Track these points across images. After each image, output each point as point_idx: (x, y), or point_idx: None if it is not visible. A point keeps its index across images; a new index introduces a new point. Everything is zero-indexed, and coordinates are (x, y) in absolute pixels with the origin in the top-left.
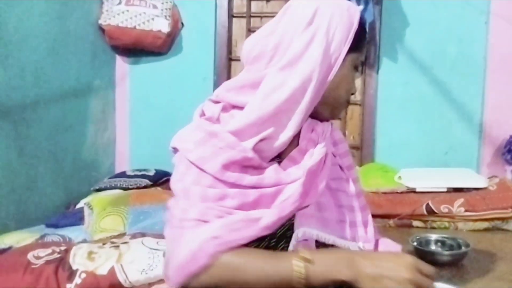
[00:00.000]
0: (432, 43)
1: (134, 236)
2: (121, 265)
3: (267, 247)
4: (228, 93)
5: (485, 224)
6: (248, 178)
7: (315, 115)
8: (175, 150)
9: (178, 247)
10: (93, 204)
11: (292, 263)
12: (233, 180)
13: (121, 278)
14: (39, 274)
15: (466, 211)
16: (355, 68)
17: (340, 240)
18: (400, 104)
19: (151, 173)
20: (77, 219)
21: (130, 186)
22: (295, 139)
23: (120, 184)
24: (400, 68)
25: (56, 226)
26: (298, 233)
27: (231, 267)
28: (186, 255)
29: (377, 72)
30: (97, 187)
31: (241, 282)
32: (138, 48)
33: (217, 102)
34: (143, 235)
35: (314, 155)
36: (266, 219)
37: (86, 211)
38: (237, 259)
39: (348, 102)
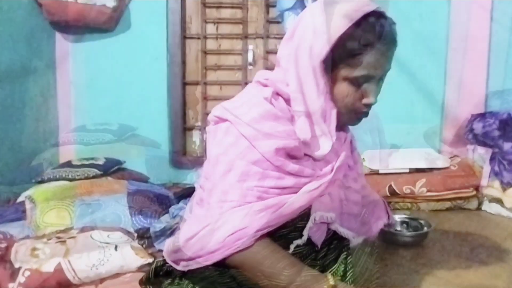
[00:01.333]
0: (394, 20)
1: (82, 230)
2: (69, 261)
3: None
4: (276, 82)
5: (447, 204)
6: (292, 166)
7: (340, 122)
8: (220, 120)
9: (218, 226)
10: (35, 197)
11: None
12: (279, 164)
13: (69, 275)
14: None
15: (428, 191)
16: (351, 82)
17: (341, 228)
18: None
19: (100, 162)
20: (19, 213)
21: (77, 177)
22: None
23: (65, 175)
24: None
25: None
26: (316, 216)
27: (267, 258)
28: (229, 233)
29: None
30: (39, 179)
31: (266, 275)
32: (80, 25)
33: (265, 85)
34: (92, 228)
35: (341, 155)
36: (297, 203)
37: (28, 205)
38: (274, 253)
39: (360, 113)
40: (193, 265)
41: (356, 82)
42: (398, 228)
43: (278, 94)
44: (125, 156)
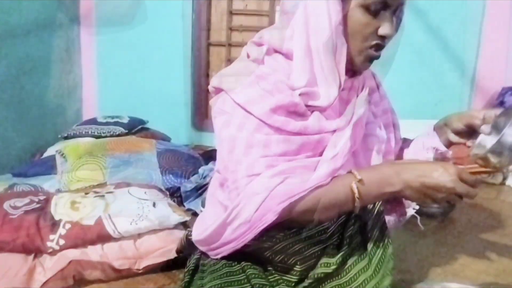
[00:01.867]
0: None
1: (119, 186)
2: (109, 215)
3: None
4: (271, 38)
5: (473, 177)
6: (293, 124)
7: (351, 67)
8: (217, 90)
9: (241, 206)
10: (66, 152)
11: (349, 187)
12: (279, 124)
13: (109, 228)
14: (18, 225)
15: (454, 163)
16: (366, 9)
17: None
18: (392, 49)
19: (125, 121)
20: (48, 168)
21: (102, 134)
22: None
23: (91, 132)
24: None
25: (25, 175)
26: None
27: (299, 216)
28: (252, 212)
29: None
30: (65, 135)
31: (311, 222)
32: None
33: (260, 44)
34: (128, 184)
35: (357, 107)
36: (322, 170)
37: (59, 160)
38: (303, 205)
39: (375, 48)
40: (226, 251)
41: (373, 9)
42: None
43: (275, 50)
44: (148, 116)
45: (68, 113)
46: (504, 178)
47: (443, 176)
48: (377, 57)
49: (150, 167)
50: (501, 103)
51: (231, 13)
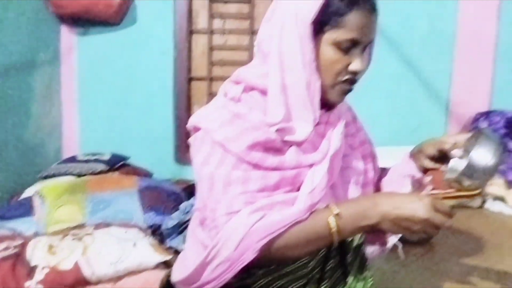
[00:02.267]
0: (402, 19)
1: (98, 226)
2: (87, 259)
3: None
4: (248, 76)
5: (452, 202)
6: (271, 160)
7: (325, 101)
8: (195, 129)
9: (220, 244)
10: (44, 193)
11: (327, 222)
12: (256, 160)
13: (87, 272)
14: None
15: (433, 189)
16: (337, 46)
17: None
18: (369, 81)
19: (106, 157)
20: (26, 209)
21: (83, 172)
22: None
23: (71, 170)
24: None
25: (2, 217)
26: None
27: (278, 252)
28: (231, 250)
29: None
30: (44, 174)
31: (290, 258)
32: (87, 18)
33: (238, 82)
34: (107, 225)
35: (333, 141)
36: (300, 205)
37: (37, 201)
38: (282, 242)
39: (347, 83)
40: None
41: (343, 47)
42: None
43: (252, 88)
44: (130, 151)
45: (48, 152)
46: (483, 202)
47: (418, 207)
48: (350, 91)
49: (131, 205)
50: (476, 128)
51: (211, 48)
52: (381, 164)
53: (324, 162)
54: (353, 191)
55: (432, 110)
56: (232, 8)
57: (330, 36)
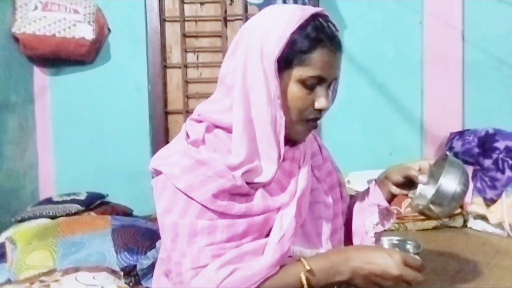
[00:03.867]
0: (369, 44)
1: (66, 272)
2: None
3: None
4: (210, 112)
5: (434, 223)
6: (238, 207)
7: (290, 137)
8: (157, 172)
9: None
10: (15, 238)
11: (298, 277)
12: (222, 209)
13: None
14: None
15: (414, 211)
16: (303, 84)
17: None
18: (343, 106)
19: (82, 197)
20: None
21: (58, 214)
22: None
23: (46, 212)
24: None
25: None
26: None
27: None
28: None
29: None
30: (19, 218)
31: None
32: (59, 58)
33: (199, 121)
34: (76, 270)
35: (300, 180)
36: (269, 257)
37: (9, 247)
38: None
39: (311, 120)
40: None
41: (308, 84)
42: None
43: (215, 126)
44: (108, 189)
45: (23, 195)
46: (465, 221)
47: (390, 264)
48: (315, 127)
49: (103, 247)
50: (450, 149)
51: (186, 82)
52: (359, 188)
53: (292, 204)
54: (324, 226)
55: (406, 132)
56: (204, 42)
57: (296, 73)
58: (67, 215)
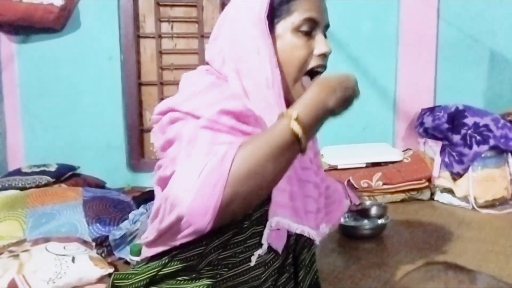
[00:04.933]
0: (346, 20)
1: (36, 243)
2: (23, 276)
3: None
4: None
5: (402, 196)
6: (245, 127)
7: (291, 98)
8: (161, 113)
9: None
10: None
11: (290, 129)
12: (230, 124)
13: None
14: None
15: (384, 184)
16: (298, 31)
17: (308, 229)
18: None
19: (52, 169)
20: None
21: (27, 185)
22: None
23: (15, 184)
24: None
25: None
26: (272, 222)
27: (246, 182)
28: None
29: None
30: None
31: (260, 185)
32: (26, 25)
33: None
34: (46, 240)
35: None
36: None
37: None
38: (245, 166)
39: (317, 70)
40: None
41: (303, 30)
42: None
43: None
44: (80, 161)
45: None
46: (432, 194)
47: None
48: (322, 72)
49: (75, 218)
50: (421, 124)
51: (160, 52)
52: (333, 163)
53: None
54: (311, 205)
55: (380, 108)
56: (179, 11)
57: (286, 24)
58: (37, 186)
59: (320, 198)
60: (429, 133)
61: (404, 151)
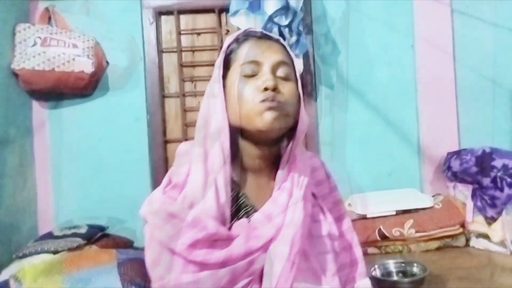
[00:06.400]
0: (364, 69)
1: None
2: None
3: None
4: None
5: (437, 244)
6: (216, 255)
7: (250, 139)
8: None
9: None
10: (20, 276)
11: None
12: (201, 258)
13: None
14: None
15: (417, 232)
16: (243, 74)
17: None
18: (341, 130)
19: (83, 230)
20: None
21: (60, 249)
22: (267, 188)
23: (48, 248)
24: (338, 95)
25: None
26: None
27: None
28: None
29: (316, 100)
30: (20, 254)
31: None
32: (58, 92)
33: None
34: None
35: (294, 216)
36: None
37: (13, 285)
38: None
39: (263, 104)
40: None
41: (249, 73)
42: (395, 278)
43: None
44: (109, 221)
45: (23, 230)
46: (467, 240)
47: None
48: (273, 108)
49: (110, 282)
50: (449, 168)
51: (184, 110)
52: (360, 211)
53: (283, 242)
54: (329, 261)
55: (404, 153)
56: (201, 71)
57: (235, 68)
58: (69, 249)
59: (344, 252)
60: (458, 177)
61: (433, 196)
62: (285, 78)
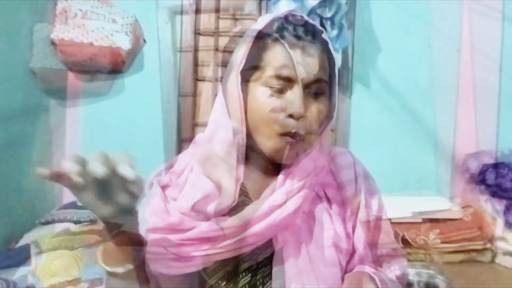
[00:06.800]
0: (404, 70)
1: (93, 283)
2: None
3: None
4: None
5: (461, 256)
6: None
7: (269, 156)
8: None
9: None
10: (41, 243)
11: None
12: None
13: None
14: None
15: (442, 242)
16: (268, 86)
17: None
18: (373, 130)
19: None
20: (22, 259)
21: (82, 219)
22: (267, 185)
23: (70, 217)
24: (373, 94)
25: None
26: None
27: None
28: None
29: (350, 98)
30: (43, 220)
31: None
32: (93, 67)
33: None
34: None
35: (280, 216)
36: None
37: (33, 251)
38: None
39: (285, 130)
40: None
41: (274, 87)
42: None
43: None
44: None
45: (48, 197)
46: (493, 256)
47: None
48: (294, 144)
49: None
50: (483, 181)
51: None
52: (388, 214)
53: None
54: (330, 254)
55: (437, 161)
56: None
57: (257, 76)
58: (91, 221)
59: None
60: (492, 191)
61: (463, 207)
62: (317, 94)
